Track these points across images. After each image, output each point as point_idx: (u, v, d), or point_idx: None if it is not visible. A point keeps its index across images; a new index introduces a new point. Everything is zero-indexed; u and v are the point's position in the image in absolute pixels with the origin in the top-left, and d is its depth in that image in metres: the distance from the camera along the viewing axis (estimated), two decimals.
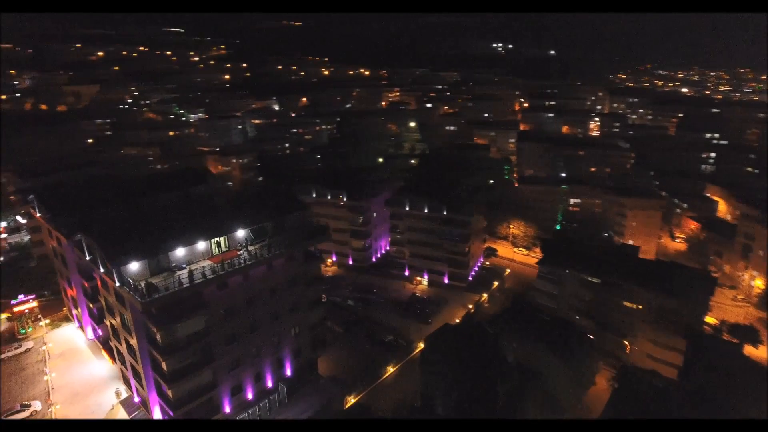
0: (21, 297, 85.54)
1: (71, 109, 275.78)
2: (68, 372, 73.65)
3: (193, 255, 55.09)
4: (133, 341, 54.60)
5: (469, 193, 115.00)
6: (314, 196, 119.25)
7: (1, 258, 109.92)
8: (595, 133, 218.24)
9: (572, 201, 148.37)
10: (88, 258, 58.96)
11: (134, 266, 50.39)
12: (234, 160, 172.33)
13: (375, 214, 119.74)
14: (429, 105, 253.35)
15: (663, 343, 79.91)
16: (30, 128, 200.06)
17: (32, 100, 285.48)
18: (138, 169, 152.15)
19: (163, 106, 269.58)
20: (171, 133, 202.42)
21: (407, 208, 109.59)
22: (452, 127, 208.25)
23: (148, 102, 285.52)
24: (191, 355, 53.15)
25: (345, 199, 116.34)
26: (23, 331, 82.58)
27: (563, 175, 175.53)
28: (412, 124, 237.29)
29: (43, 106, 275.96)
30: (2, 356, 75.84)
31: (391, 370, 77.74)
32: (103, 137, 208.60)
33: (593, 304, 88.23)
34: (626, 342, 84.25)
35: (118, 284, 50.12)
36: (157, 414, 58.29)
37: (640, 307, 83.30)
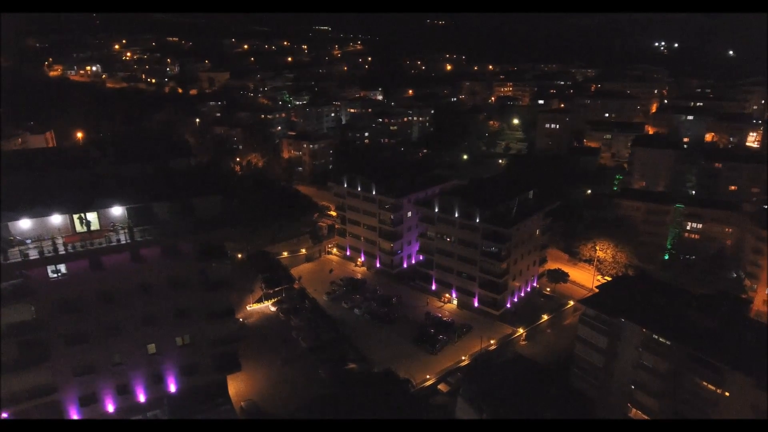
0: None
1: (200, 92, 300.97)
2: None
3: (46, 230, 45.07)
4: None
5: (537, 202, 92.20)
6: (345, 186, 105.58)
7: None
8: (755, 145, 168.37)
9: (690, 225, 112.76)
10: None
11: None
12: (305, 145, 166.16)
13: (410, 215, 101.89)
14: (541, 101, 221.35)
15: None
16: (154, 107, 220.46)
17: (172, 84, 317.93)
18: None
19: (274, 93, 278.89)
20: (262, 117, 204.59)
21: (436, 210, 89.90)
22: (555, 125, 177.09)
23: (265, 89, 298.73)
24: (16, 350, 43.25)
25: (373, 194, 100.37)
26: None
27: (693, 192, 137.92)
28: (516, 121, 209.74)
29: (179, 90, 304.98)
30: None
31: None
32: (212, 118, 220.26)
33: (657, 373, 60.63)
34: None
35: None
36: None
37: (727, 394, 54.27)
